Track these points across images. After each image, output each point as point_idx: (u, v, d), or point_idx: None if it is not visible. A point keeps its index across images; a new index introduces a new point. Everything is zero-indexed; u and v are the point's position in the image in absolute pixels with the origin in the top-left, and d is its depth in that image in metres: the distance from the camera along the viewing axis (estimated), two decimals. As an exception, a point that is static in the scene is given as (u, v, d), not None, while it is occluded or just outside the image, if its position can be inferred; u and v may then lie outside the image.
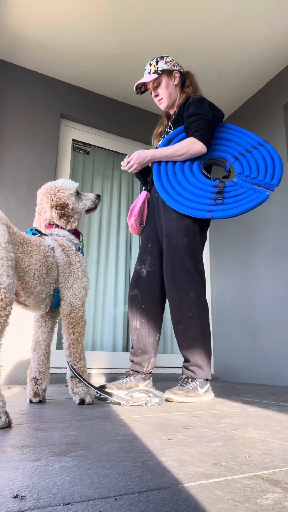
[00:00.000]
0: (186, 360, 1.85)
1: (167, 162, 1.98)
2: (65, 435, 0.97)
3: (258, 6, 2.76)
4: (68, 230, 1.74)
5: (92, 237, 3.55)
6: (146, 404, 1.56)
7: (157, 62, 2.07)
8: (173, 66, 2.09)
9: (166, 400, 1.74)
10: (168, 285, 1.90)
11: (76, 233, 1.77)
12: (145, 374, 1.97)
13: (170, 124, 2.11)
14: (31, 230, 1.64)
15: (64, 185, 1.76)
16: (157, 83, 2.08)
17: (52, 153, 3.32)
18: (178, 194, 1.88)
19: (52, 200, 1.70)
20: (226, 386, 2.76)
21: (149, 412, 1.38)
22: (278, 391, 2.36)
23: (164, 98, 2.10)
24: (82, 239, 1.80)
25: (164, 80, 2.07)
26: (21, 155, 3.18)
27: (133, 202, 2.17)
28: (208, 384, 1.84)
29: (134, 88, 2.12)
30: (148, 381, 1.99)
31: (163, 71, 2.06)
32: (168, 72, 2.08)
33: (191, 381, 1.80)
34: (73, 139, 3.60)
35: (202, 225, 1.96)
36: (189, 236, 1.88)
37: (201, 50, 3.17)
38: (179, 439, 0.93)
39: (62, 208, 1.69)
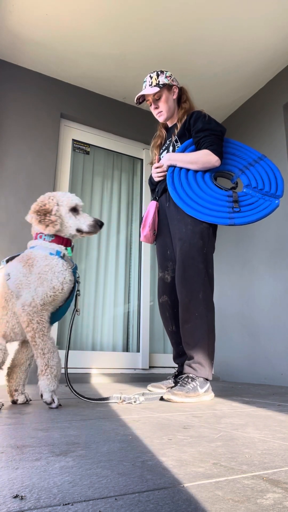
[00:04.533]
0: (190, 358, 1.89)
1: (180, 171, 2.06)
2: (65, 435, 0.97)
3: (258, 7, 2.76)
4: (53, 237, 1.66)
5: (92, 237, 3.55)
6: (135, 401, 1.60)
7: (158, 75, 2.14)
8: (172, 81, 2.18)
9: (166, 400, 1.74)
10: (178, 285, 1.95)
11: (58, 240, 1.67)
12: (179, 376, 2.06)
13: (175, 137, 2.16)
14: (4, 260, 1.66)
15: (61, 197, 1.70)
16: (158, 96, 2.15)
17: (52, 153, 3.32)
18: (196, 203, 1.98)
19: (34, 209, 1.64)
20: (226, 386, 2.76)
21: (149, 412, 1.38)
22: (278, 391, 2.36)
23: (164, 111, 2.18)
24: (70, 246, 1.70)
25: (165, 94, 2.15)
26: (21, 155, 3.18)
27: (144, 213, 2.22)
28: (208, 384, 1.86)
29: (135, 99, 2.17)
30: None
31: (164, 85, 2.13)
32: (168, 87, 2.16)
33: (191, 381, 1.81)
34: (73, 139, 3.60)
35: (214, 229, 2.07)
36: (203, 239, 1.96)
37: (201, 50, 3.17)
38: (179, 439, 0.93)
39: (43, 214, 1.63)
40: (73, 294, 1.68)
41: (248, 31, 2.98)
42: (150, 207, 2.18)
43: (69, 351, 3.07)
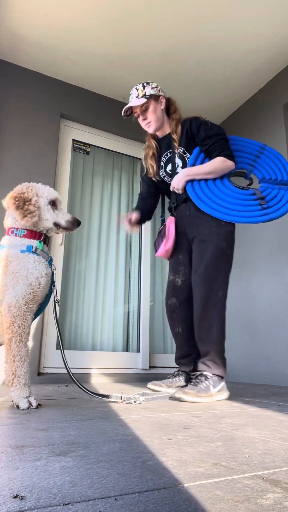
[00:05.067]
0: (204, 355, 1.92)
1: (199, 183, 2.08)
2: (65, 435, 0.97)
3: (258, 7, 2.76)
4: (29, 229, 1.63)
5: (92, 237, 3.55)
6: (135, 401, 1.60)
7: (143, 87, 2.14)
8: (159, 91, 2.18)
9: (176, 400, 1.75)
10: (199, 282, 1.98)
11: (32, 235, 1.63)
12: (192, 373, 2.09)
13: (182, 149, 2.14)
14: None
15: (41, 189, 1.66)
16: (145, 107, 2.15)
17: (52, 153, 3.32)
18: (228, 209, 2.02)
19: (12, 196, 1.60)
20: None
21: (149, 412, 1.38)
22: (278, 391, 2.36)
23: (152, 121, 2.17)
24: (43, 239, 1.65)
25: (152, 104, 2.15)
26: (21, 155, 3.18)
27: (164, 228, 2.20)
28: (223, 383, 1.86)
29: (122, 112, 2.16)
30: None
31: (151, 96, 2.13)
32: (155, 97, 2.16)
33: (205, 379, 1.82)
34: (73, 139, 3.60)
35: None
36: (227, 241, 2.01)
37: (201, 50, 3.17)
38: (179, 439, 0.93)
39: (22, 201, 1.58)
40: (51, 286, 1.65)
41: (248, 31, 2.97)
42: (170, 222, 2.16)
43: (69, 351, 3.08)
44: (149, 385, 2.09)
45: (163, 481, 0.62)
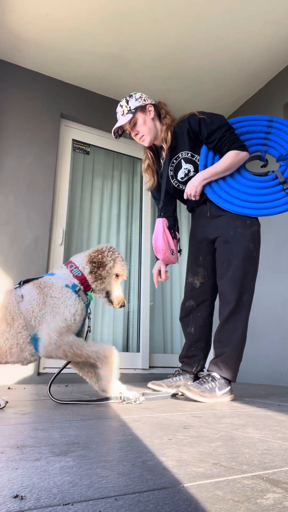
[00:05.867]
0: (218, 356, 1.88)
1: (217, 182, 1.99)
2: (65, 435, 0.97)
3: (258, 7, 2.76)
4: (91, 288, 1.74)
5: (92, 237, 3.55)
6: (135, 401, 1.60)
7: (127, 102, 2.05)
8: (144, 100, 2.06)
9: (181, 395, 1.77)
10: (225, 285, 1.92)
11: (83, 281, 1.71)
12: (193, 374, 2.09)
13: (190, 152, 2.05)
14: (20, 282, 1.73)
15: (119, 257, 1.78)
16: (133, 122, 2.05)
17: (52, 153, 3.32)
18: (254, 202, 1.92)
19: (88, 254, 1.74)
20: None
21: (149, 412, 1.38)
22: (278, 391, 2.36)
23: (145, 134, 2.07)
24: (91, 292, 1.75)
25: (140, 116, 2.04)
26: (21, 155, 3.18)
27: (153, 237, 2.14)
28: (229, 387, 1.82)
29: (112, 133, 2.10)
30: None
31: (136, 108, 2.03)
32: (142, 108, 2.05)
33: (211, 380, 1.79)
34: (73, 139, 3.60)
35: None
36: (254, 243, 1.94)
37: (201, 50, 3.17)
38: (179, 439, 0.93)
39: (96, 267, 1.71)
40: (84, 325, 1.75)
41: (248, 31, 2.97)
42: (157, 228, 2.08)
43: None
44: (149, 384, 2.09)
45: (163, 481, 0.62)
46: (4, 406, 1.43)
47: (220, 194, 1.97)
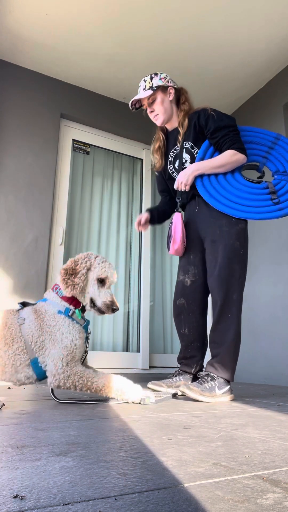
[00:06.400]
0: (214, 356, 1.89)
1: (209, 178, 2.00)
2: (65, 435, 0.97)
3: (258, 7, 2.76)
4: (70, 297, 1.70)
5: (92, 237, 3.55)
6: (140, 402, 1.59)
7: (151, 78, 2.09)
8: (168, 82, 2.11)
9: (181, 395, 1.76)
10: (213, 284, 1.94)
11: (71, 300, 1.69)
12: (193, 374, 2.08)
13: (190, 143, 2.07)
14: (19, 303, 1.75)
15: (97, 263, 1.71)
16: (152, 99, 2.09)
17: (52, 153, 3.32)
18: (240, 205, 1.94)
19: (66, 265, 1.72)
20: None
21: (149, 412, 1.38)
22: (278, 391, 2.36)
23: (160, 113, 2.11)
24: (81, 308, 1.72)
25: (159, 96, 2.09)
26: (21, 155, 3.18)
27: (171, 226, 2.12)
28: (229, 387, 1.83)
29: (129, 105, 2.13)
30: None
31: (158, 87, 2.07)
32: (163, 88, 2.09)
33: (211, 380, 1.80)
34: (73, 139, 3.60)
35: (248, 230, 2.05)
36: (240, 241, 1.95)
37: (201, 50, 3.17)
38: (179, 439, 0.93)
39: (68, 274, 1.67)
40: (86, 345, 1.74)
41: (248, 31, 2.97)
42: (176, 220, 2.08)
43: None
44: (149, 384, 2.09)
45: (163, 481, 0.62)
46: (0, 408, 1.42)
47: (209, 189, 1.98)
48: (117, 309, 1.69)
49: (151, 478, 0.63)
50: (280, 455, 0.80)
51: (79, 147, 3.64)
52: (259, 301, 3.25)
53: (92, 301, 1.72)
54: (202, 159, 2.02)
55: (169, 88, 2.11)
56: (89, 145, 3.69)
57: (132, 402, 1.59)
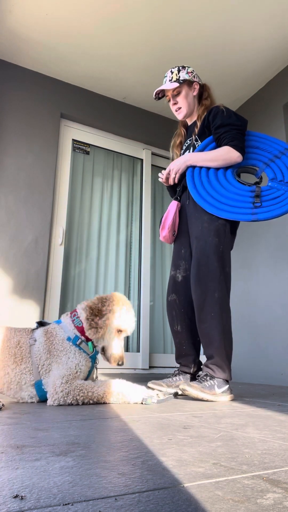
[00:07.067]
0: (208, 358, 1.88)
1: (200, 170, 2.00)
2: (65, 435, 0.97)
3: (258, 7, 2.76)
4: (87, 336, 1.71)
5: (92, 237, 3.55)
6: (142, 402, 1.59)
7: (179, 71, 2.10)
8: (194, 77, 2.13)
9: (182, 394, 1.76)
10: (193, 284, 1.92)
11: (83, 331, 1.70)
12: (191, 374, 2.08)
13: (195, 136, 2.11)
14: (36, 322, 1.78)
15: (121, 312, 1.71)
16: (177, 92, 2.11)
17: (52, 153, 3.32)
18: (217, 201, 1.92)
19: (90, 301, 1.72)
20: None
21: (149, 412, 1.38)
22: (278, 391, 2.36)
23: (183, 107, 2.14)
24: (92, 345, 1.72)
25: (184, 90, 2.11)
26: (21, 155, 3.18)
27: (165, 213, 2.14)
28: (228, 386, 1.82)
29: (153, 94, 2.14)
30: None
31: (185, 80, 2.09)
32: (189, 83, 2.12)
33: (210, 379, 1.80)
34: (73, 139, 3.60)
35: (233, 227, 2.01)
36: (219, 237, 1.90)
37: (201, 50, 3.17)
38: (179, 439, 0.93)
39: (93, 315, 1.68)
40: (90, 372, 1.75)
41: (248, 31, 2.98)
42: (170, 207, 2.10)
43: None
44: (149, 384, 2.09)
45: (163, 481, 0.62)
46: (0, 409, 1.42)
47: (196, 182, 1.98)
48: (122, 364, 1.73)
49: (151, 478, 0.63)
50: (280, 455, 0.80)
51: (79, 147, 3.64)
52: (259, 301, 3.25)
53: (103, 348, 1.74)
54: (200, 151, 2.03)
55: (194, 83, 2.13)
56: (89, 145, 3.69)
57: (135, 403, 1.59)
